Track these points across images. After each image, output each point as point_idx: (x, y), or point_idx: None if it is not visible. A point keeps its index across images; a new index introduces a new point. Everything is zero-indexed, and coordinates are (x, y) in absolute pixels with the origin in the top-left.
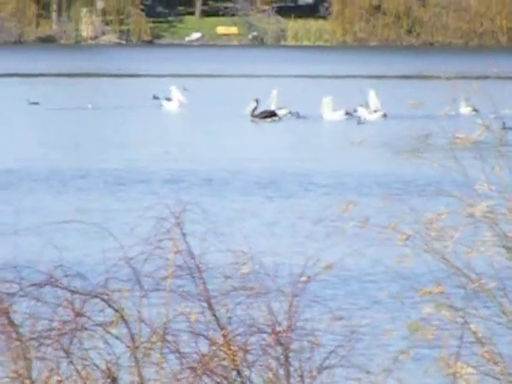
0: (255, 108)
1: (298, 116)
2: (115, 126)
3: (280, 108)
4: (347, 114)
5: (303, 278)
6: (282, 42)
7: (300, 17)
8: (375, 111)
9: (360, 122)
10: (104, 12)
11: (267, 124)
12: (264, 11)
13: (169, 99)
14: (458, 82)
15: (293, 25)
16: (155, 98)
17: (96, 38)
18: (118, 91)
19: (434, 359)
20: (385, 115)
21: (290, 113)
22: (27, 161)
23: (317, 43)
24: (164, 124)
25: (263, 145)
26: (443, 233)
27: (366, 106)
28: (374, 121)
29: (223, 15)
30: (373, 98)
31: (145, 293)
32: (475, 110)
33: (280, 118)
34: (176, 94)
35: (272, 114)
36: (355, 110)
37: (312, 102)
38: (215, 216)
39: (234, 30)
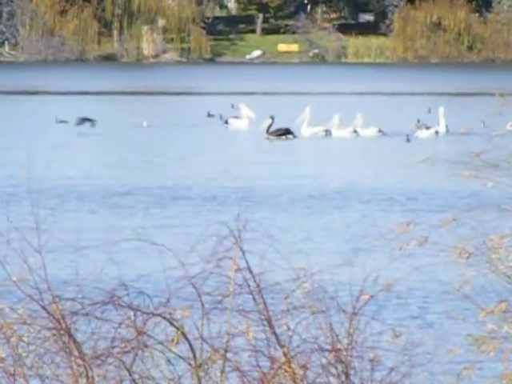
0: (270, 125)
1: (329, 134)
2: (167, 144)
3: (315, 125)
4: (355, 132)
5: (364, 297)
6: (343, 59)
7: (361, 34)
8: (427, 128)
9: (408, 139)
10: (165, 30)
11: (320, 141)
12: (325, 28)
13: (236, 117)
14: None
15: (353, 42)
16: (209, 115)
17: (157, 56)
18: (176, 109)
19: (498, 375)
20: (437, 132)
21: (325, 131)
22: (80, 179)
23: (377, 60)
24: (220, 141)
25: (318, 162)
26: (505, 251)
27: (421, 124)
28: (424, 138)
29: (284, 33)
30: (441, 116)
31: (206, 311)
32: None
33: (295, 136)
34: (245, 111)
35: (286, 132)
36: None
37: (371, 119)
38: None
39: (294, 47)
